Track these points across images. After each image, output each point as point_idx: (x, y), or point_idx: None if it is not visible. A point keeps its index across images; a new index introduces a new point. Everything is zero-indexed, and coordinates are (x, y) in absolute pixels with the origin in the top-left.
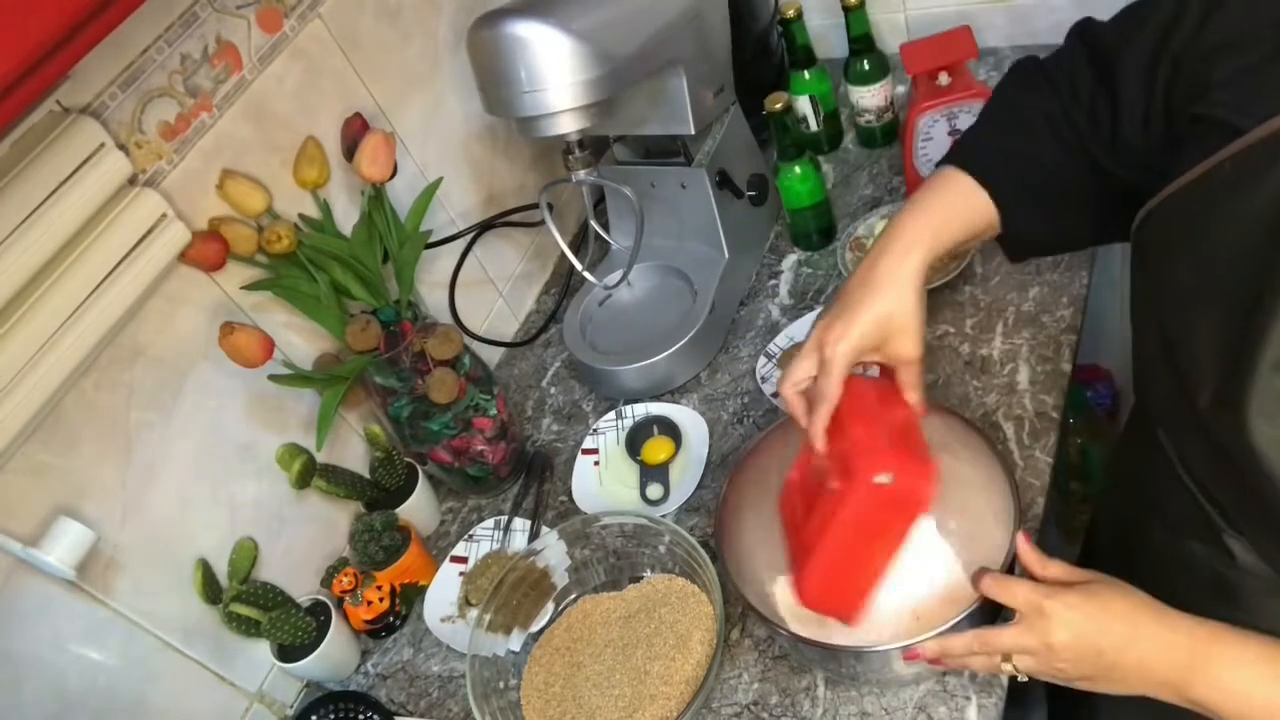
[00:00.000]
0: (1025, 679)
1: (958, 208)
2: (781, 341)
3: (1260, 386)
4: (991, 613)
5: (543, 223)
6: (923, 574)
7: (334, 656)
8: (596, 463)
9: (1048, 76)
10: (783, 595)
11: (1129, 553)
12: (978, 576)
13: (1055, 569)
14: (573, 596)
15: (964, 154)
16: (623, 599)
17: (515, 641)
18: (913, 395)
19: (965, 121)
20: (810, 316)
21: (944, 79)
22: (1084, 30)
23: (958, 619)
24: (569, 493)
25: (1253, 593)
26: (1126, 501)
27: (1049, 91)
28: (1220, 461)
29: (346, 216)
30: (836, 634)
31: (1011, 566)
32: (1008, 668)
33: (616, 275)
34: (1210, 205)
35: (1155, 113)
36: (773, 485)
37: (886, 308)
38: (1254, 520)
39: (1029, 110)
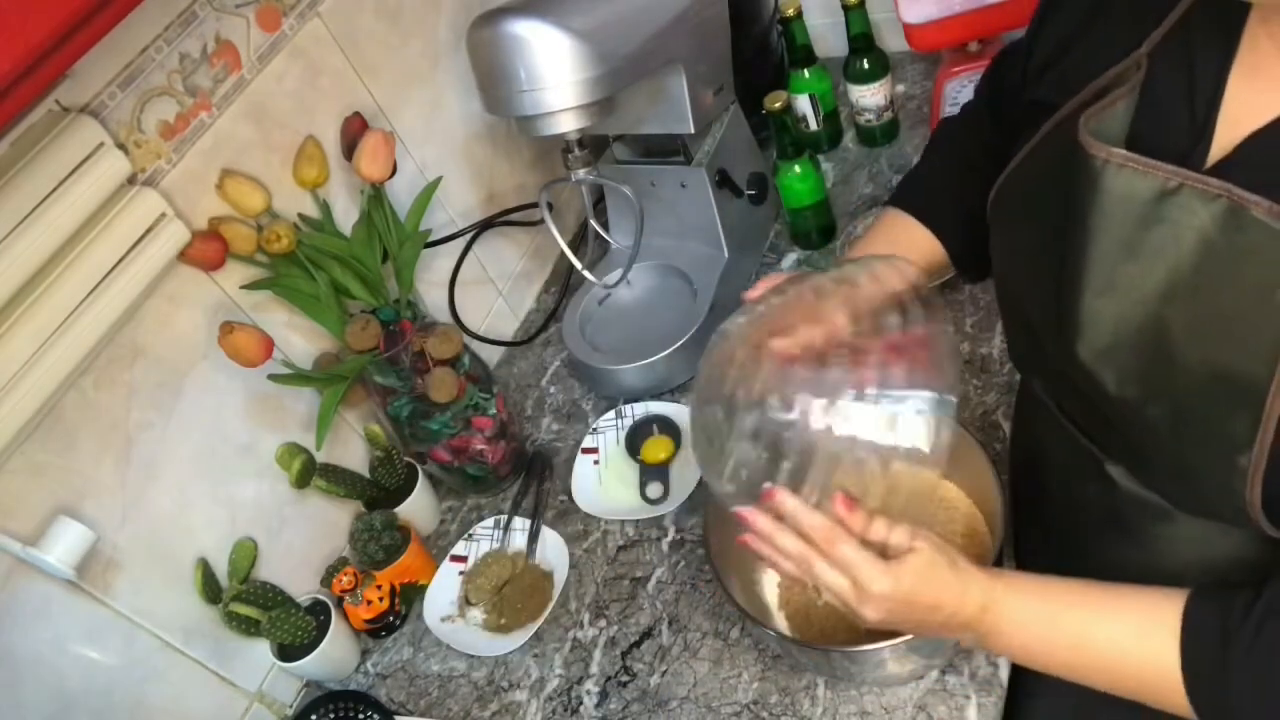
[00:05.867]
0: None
1: (900, 243)
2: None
3: (1087, 313)
4: None
5: (542, 222)
6: None
7: (334, 656)
8: (596, 462)
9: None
10: (772, 595)
11: (1031, 504)
12: None
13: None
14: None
15: (903, 194)
16: None
17: (515, 641)
18: None
19: None
20: None
21: (974, 46)
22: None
23: None
24: (569, 492)
25: (1139, 520)
26: (1026, 459)
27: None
28: (1080, 395)
29: (346, 216)
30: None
31: (1000, 563)
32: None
33: (616, 274)
34: (1040, 175)
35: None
36: None
37: None
38: (1116, 442)
39: (959, 146)
